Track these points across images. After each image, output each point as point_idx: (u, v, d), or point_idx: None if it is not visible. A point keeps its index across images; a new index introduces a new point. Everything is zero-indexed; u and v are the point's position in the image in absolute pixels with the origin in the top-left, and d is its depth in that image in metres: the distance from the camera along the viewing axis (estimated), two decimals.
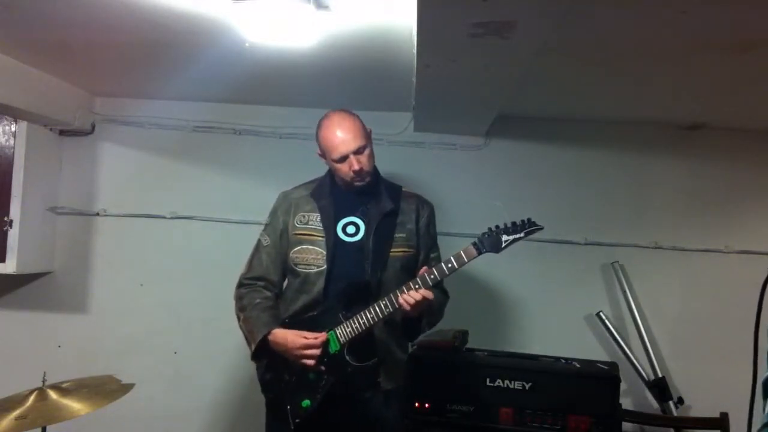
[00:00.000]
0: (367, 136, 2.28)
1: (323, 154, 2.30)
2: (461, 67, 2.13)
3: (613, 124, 3.29)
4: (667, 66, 2.32)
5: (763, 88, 2.51)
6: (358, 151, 2.22)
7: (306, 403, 2.17)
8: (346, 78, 2.71)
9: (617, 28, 1.95)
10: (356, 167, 2.20)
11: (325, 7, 1.92)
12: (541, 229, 2.13)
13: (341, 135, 2.21)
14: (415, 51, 1.99)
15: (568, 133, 3.31)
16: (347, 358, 2.16)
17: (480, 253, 2.09)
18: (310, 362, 2.13)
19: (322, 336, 2.14)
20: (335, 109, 2.30)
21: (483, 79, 2.29)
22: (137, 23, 2.17)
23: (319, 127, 2.30)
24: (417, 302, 2.06)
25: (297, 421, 2.18)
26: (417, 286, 2.08)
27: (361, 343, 2.17)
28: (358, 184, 2.26)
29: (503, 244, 2.10)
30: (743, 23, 1.86)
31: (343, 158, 2.21)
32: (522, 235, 2.11)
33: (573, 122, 3.30)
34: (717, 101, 2.81)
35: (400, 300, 2.08)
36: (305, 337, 2.14)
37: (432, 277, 2.09)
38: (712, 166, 3.27)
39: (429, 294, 2.07)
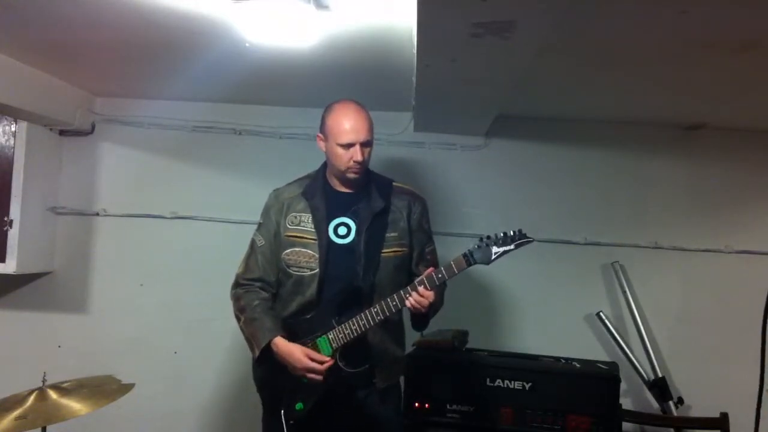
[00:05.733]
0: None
1: (326, 138, 2.28)
2: (461, 67, 2.12)
3: (613, 124, 3.29)
4: (667, 66, 2.32)
5: (763, 88, 2.51)
6: (365, 144, 2.22)
7: (299, 406, 2.17)
8: (346, 78, 2.71)
9: (617, 28, 1.95)
10: (359, 158, 2.20)
11: (325, 7, 1.92)
12: (532, 241, 2.12)
13: (354, 123, 2.21)
14: (415, 51, 1.99)
15: (568, 133, 3.31)
16: (340, 363, 2.15)
17: (470, 264, 2.09)
18: (313, 377, 2.13)
19: (328, 362, 2.12)
20: (349, 99, 2.29)
21: (483, 79, 2.29)
22: (137, 23, 2.17)
23: (330, 109, 2.28)
24: (424, 305, 2.08)
25: (291, 422, 2.17)
26: (422, 287, 2.08)
27: (354, 348, 2.16)
28: (351, 175, 2.25)
29: (493, 256, 2.09)
30: (743, 23, 1.86)
31: (349, 145, 2.20)
32: (512, 247, 2.09)
33: (573, 122, 3.30)
34: (717, 101, 2.81)
35: (408, 304, 2.08)
36: (311, 357, 2.12)
37: (440, 276, 2.09)
38: (712, 166, 3.27)
39: (431, 295, 2.08)
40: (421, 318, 2.24)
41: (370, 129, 2.25)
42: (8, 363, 3.29)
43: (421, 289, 2.07)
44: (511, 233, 2.11)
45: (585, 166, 3.31)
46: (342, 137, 2.20)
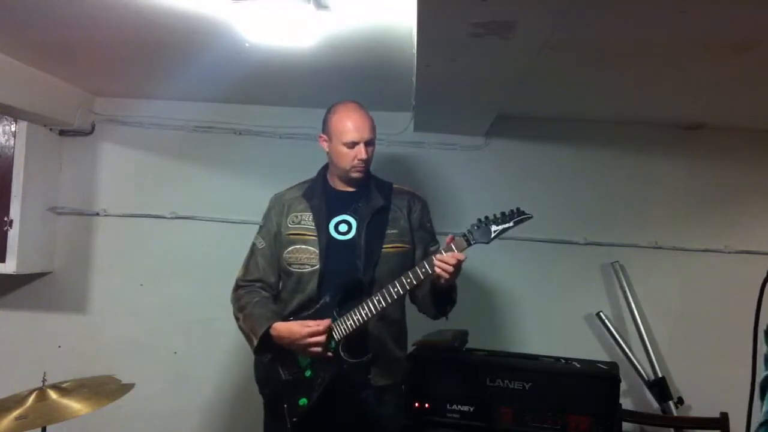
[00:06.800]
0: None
1: (329, 138, 2.31)
2: (461, 67, 2.13)
3: (613, 124, 3.29)
4: (667, 66, 2.32)
5: (763, 88, 2.51)
6: (368, 143, 2.27)
7: (303, 401, 2.17)
8: (346, 78, 2.71)
9: (617, 28, 1.95)
10: (363, 156, 2.25)
11: (325, 7, 1.92)
12: (530, 217, 2.13)
13: (358, 122, 2.26)
14: (415, 51, 1.99)
15: (568, 133, 3.31)
16: (342, 355, 2.16)
17: (470, 244, 2.10)
18: (317, 349, 2.12)
19: (325, 322, 2.13)
20: (351, 100, 2.33)
21: (483, 79, 2.29)
22: (137, 23, 2.17)
23: (333, 110, 2.32)
24: (454, 266, 2.05)
25: (294, 420, 2.18)
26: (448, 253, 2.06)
27: (356, 339, 2.18)
28: (355, 175, 2.29)
29: (493, 234, 2.10)
30: (743, 23, 1.85)
31: (353, 144, 2.24)
32: (511, 224, 2.11)
33: (573, 122, 3.30)
34: (717, 101, 2.81)
35: (437, 269, 2.05)
36: (308, 326, 2.14)
37: (469, 243, 2.07)
38: (712, 166, 3.27)
39: (461, 255, 2.06)
40: (442, 296, 2.21)
41: (373, 128, 2.29)
42: (8, 363, 3.29)
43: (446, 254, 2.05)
44: (509, 211, 2.14)
45: (585, 166, 3.31)
46: (346, 136, 2.25)
